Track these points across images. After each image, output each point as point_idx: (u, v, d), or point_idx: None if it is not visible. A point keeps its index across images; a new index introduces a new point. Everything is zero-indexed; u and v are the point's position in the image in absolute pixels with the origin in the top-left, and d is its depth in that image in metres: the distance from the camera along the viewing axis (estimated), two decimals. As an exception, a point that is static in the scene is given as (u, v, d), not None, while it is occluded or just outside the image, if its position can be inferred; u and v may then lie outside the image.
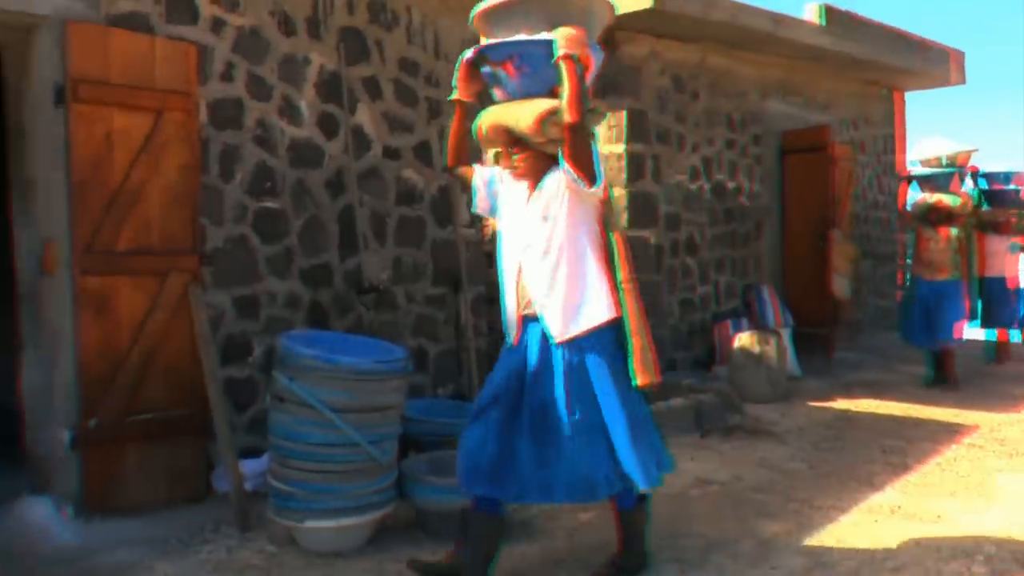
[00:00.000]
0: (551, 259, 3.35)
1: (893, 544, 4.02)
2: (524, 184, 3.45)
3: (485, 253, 6.33)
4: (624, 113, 7.73)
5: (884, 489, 4.89)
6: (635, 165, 7.78)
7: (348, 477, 3.90)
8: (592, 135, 3.48)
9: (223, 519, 4.32)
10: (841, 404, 7.31)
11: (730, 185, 8.94)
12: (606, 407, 3.30)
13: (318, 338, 4.36)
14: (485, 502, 3.40)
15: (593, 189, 3.27)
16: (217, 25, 4.97)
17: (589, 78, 3.37)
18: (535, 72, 3.32)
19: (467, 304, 6.17)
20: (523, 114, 3.31)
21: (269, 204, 5.22)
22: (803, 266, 9.39)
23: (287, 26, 5.30)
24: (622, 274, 3.33)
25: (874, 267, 11.30)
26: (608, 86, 7.82)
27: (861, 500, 4.68)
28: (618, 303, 3.35)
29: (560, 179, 3.32)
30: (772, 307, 8.79)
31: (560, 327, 3.34)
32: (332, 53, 5.53)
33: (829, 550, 3.96)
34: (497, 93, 3.52)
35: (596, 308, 3.35)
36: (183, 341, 4.57)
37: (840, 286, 9.13)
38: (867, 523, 4.33)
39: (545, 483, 3.28)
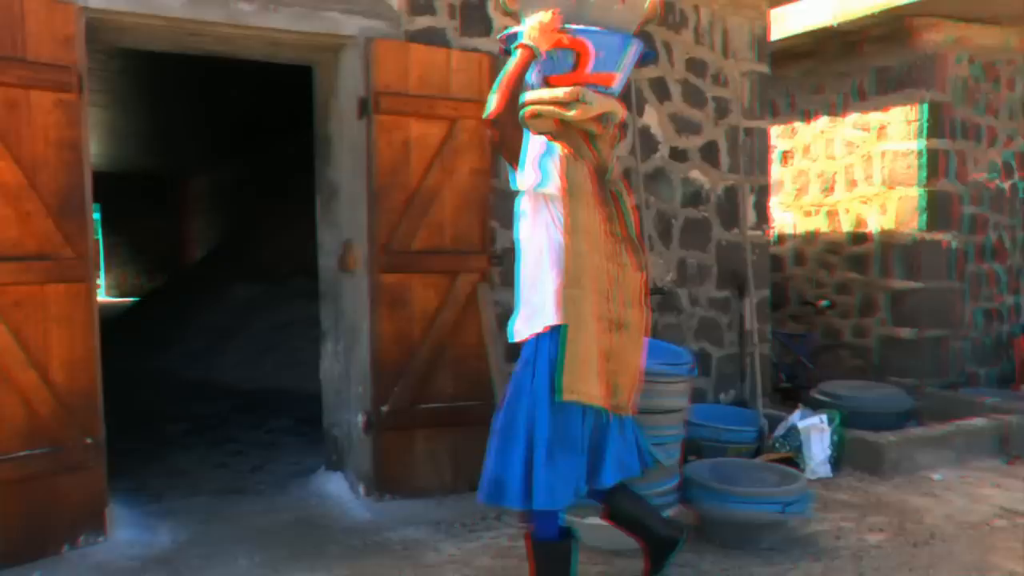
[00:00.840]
0: (520, 258, 3.25)
1: None
2: None
3: (772, 256, 6.11)
4: (921, 107, 7.19)
5: None
6: (932, 162, 7.21)
7: (631, 477, 3.90)
8: (612, 130, 3.28)
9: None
10: None
11: (1046, 182, 8.04)
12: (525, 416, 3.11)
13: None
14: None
15: (523, 184, 3.10)
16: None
17: (590, 65, 3.18)
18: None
19: (752, 308, 5.98)
20: None
21: (562, 207, 5.34)
22: None
23: (575, 32, 5.41)
24: (563, 278, 3.10)
25: None
26: (903, 77, 7.31)
27: None
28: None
29: None
30: (1095, 320, 7.82)
31: (517, 327, 3.23)
32: (618, 56, 5.57)
33: None
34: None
35: (542, 314, 3.13)
36: (471, 337, 4.79)
37: None
38: None
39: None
